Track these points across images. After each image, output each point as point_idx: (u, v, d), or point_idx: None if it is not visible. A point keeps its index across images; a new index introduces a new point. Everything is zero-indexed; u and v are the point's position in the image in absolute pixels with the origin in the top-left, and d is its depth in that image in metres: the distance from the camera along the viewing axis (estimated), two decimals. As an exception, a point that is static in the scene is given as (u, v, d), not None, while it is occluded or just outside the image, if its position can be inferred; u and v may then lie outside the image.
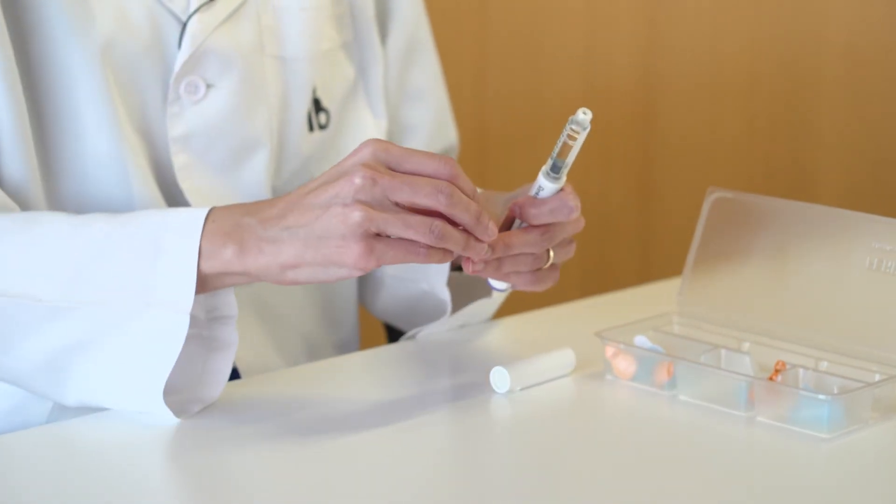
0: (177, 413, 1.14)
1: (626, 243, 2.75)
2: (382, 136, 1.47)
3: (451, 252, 1.11)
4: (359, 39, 1.44)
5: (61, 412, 1.26)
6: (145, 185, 1.28)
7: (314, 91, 1.40)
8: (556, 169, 1.16)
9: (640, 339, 1.25)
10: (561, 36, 2.61)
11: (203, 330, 1.17)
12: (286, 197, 1.12)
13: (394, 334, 1.62)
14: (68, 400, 1.16)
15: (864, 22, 2.80)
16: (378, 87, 1.46)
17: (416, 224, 1.08)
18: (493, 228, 1.12)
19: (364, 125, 1.45)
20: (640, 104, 2.70)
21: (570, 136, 1.14)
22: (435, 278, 1.37)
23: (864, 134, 2.85)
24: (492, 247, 1.15)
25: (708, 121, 2.77)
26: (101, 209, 1.27)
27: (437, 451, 1.12)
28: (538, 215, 1.18)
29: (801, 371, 1.18)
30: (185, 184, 1.31)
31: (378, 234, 1.09)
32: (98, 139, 1.26)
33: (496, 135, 2.56)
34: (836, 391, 1.15)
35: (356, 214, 1.07)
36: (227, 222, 1.12)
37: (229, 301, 1.17)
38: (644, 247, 2.77)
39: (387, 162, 1.09)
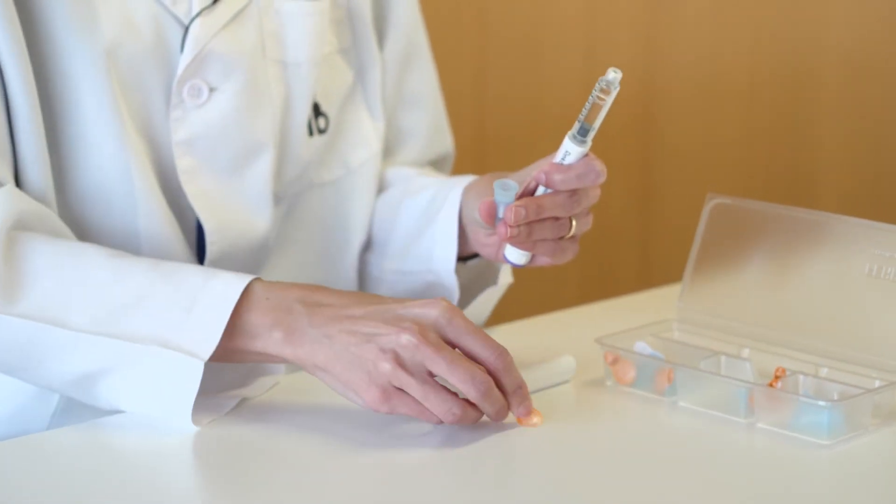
0: (217, 409, 1.17)
1: (625, 248, 2.75)
2: (380, 140, 1.47)
3: None
4: (357, 44, 1.44)
5: (62, 417, 1.26)
6: (149, 188, 1.28)
7: (314, 96, 1.40)
8: (583, 132, 1.17)
9: (640, 346, 1.25)
10: (560, 40, 2.61)
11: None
12: (341, 298, 1.15)
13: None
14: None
15: (864, 28, 2.80)
16: (376, 91, 1.46)
17: (434, 404, 1.11)
18: (526, 405, 1.14)
19: (362, 128, 1.46)
20: (640, 109, 2.70)
21: (598, 98, 1.15)
22: (441, 266, 1.37)
23: (863, 139, 2.85)
24: (525, 209, 1.17)
25: (708, 125, 2.77)
26: (104, 212, 1.28)
27: (436, 458, 1.12)
28: (566, 180, 1.18)
29: (801, 377, 1.18)
30: (189, 187, 1.31)
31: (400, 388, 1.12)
32: (102, 142, 1.26)
33: (496, 139, 2.57)
34: (836, 397, 1.15)
35: (385, 366, 1.10)
36: (280, 304, 1.15)
37: None
38: (644, 251, 2.77)
39: (444, 331, 1.11)
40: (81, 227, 1.28)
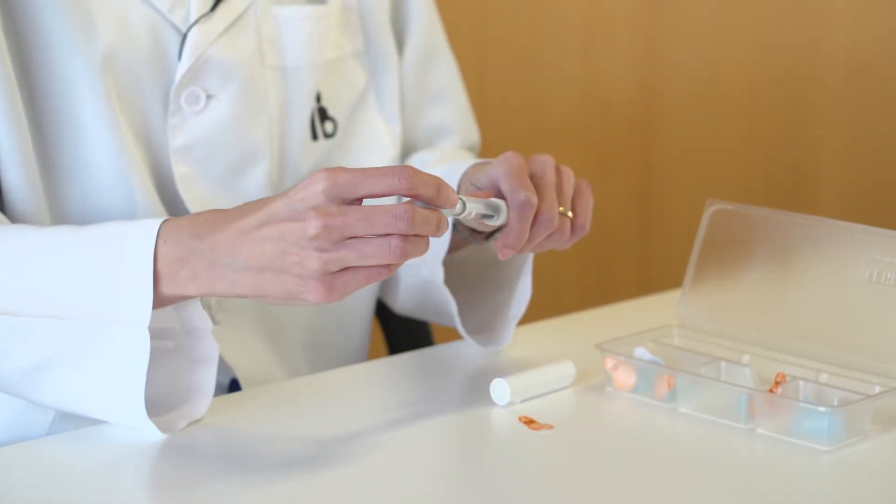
0: (164, 428, 1.14)
1: (625, 253, 2.75)
2: (396, 143, 1.46)
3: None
4: (371, 47, 1.44)
5: (62, 424, 1.26)
6: (147, 195, 1.28)
7: (319, 100, 1.40)
8: (487, 216, 1.17)
9: (641, 351, 1.25)
10: (560, 47, 2.61)
11: (183, 340, 1.17)
12: (235, 219, 1.09)
13: (395, 345, 1.62)
14: (53, 408, 1.17)
15: (865, 31, 2.80)
16: (391, 94, 1.46)
17: (374, 252, 1.06)
18: (453, 196, 1.10)
19: (376, 131, 1.45)
20: (640, 114, 2.70)
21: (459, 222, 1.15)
22: (431, 261, 1.34)
23: (864, 143, 2.85)
24: (510, 248, 1.18)
25: (708, 130, 2.77)
26: (103, 219, 1.27)
27: (437, 463, 1.12)
28: (519, 237, 1.18)
29: (801, 383, 1.18)
30: (186, 194, 1.31)
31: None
32: (99, 150, 1.26)
33: (496, 146, 2.56)
34: (836, 403, 1.15)
35: (312, 261, 1.06)
36: (178, 246, 1.11)
37: (198, 313, 1.16)
38: (644, 257, 2.77)
39: (339, 195, 1.06)
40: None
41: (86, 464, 1.11)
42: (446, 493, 1.06)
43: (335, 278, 1.07)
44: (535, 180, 1.20)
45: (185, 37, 1.29)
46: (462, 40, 2.50)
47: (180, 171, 1.31)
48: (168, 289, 1.11)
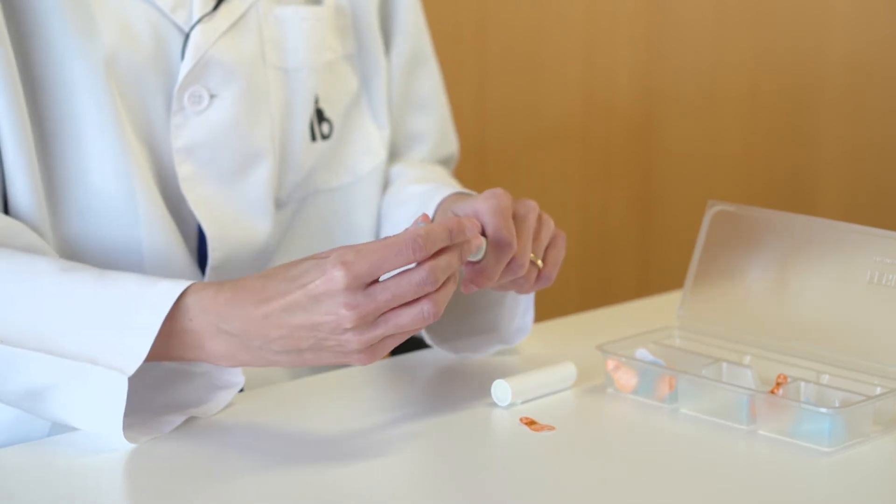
0: (160, 429, 1.16)
1: (626, 255, 2.75)
2: (386, 148, 1.47)
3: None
4: (362, 51, 1.45)
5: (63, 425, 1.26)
6: (150, 196, 1.28)
7: (317, 101, 1.40)
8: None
9: (642, 353, 1.25)
10: (560, 51, 2.62)
11: (212, 369, 1.19)
12: (256, 305, 1.11)
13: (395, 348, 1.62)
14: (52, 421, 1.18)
15: (865, 34, 2.80)
16: (381, 98, 1.47)
17: (410, 322, 1.10)
18: (465, 235, 1.12)
19: (367, 134, 1.46)
20: (640, 116, 2.70)
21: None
22: None
23: (864, 146, 2.86)
24: (476, 284, 1.18)
25: (708, 134, 2.77)
26: (105, 222, 1.28)
27: (438, 464, 1.12)
28: (489, 277, 1.18)
29: (802, 384, 1.18)
30: (190, 194, 1.31)
31: None
32: (102, 151, 1.26)
33: (496, 150, 2.57)
34: (837, 404, 1.15)
35: (352, 343, 1.10)
36: (207, 327, 1.13)
37: None
38: (644, 260, 2.77)
39: (361, 283, 1.09)
40: (82, 240, 1.27)
41: (87, 464, 1.11)
42: (447, 494, 1.06)
43: (375, 350, 1.11)
44: (517, 223, 1.21)
45: (187, 36, 1.29)
46: (462, 42, 2.51)
47: (184, 171, 1.31)
48: (193, 355, 1.14)
